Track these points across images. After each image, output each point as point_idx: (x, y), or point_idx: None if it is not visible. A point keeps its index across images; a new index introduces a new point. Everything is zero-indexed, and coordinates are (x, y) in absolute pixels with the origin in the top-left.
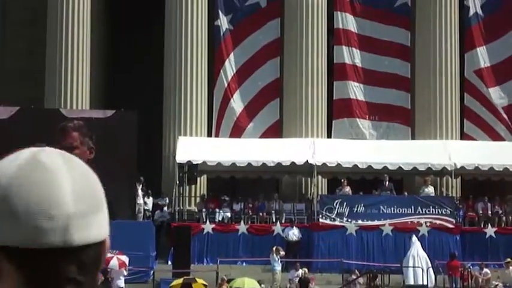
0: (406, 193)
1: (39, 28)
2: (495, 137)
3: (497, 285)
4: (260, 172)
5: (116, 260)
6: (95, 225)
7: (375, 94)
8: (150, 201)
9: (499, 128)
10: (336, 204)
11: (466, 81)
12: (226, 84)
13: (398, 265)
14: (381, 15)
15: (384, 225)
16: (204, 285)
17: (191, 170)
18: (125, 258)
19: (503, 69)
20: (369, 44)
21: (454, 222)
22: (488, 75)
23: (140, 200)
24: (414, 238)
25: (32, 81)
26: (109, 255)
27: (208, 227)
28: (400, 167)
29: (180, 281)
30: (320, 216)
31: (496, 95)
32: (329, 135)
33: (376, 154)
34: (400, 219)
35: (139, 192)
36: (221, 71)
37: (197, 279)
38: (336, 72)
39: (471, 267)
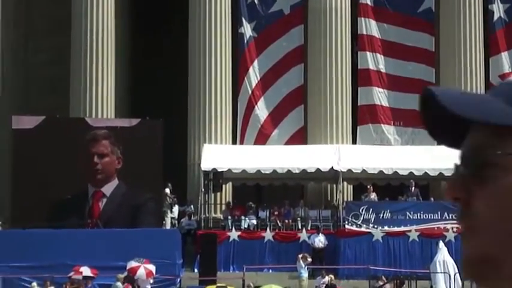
0: (432, 199)
1: (64, 37)
2: None
3: None
4: (285, 179)
5: (143, 270)
6: None
7: (400, 100)
8: (176, 209)
9: None
10: (362, 211)
11: (492, 86)
12: (250, 92)
13: (426, 271)
14: (404, 21)
15: (410, 231)
16: None
17: (216, 178)
18: (151, 267)
19: None
20: (393, 49)
21: None
22: None
23: (172, 207)
24: (441, 244)
25: (57, 91)
26: (136, 264)
27: (234, 234)
28: (426, 173)
29: (213, 287)
30: (346, 222)
31: None
32: (354, 142)
33: (401, 160)
34: (426, 224)
35: (168, 199)
36: (245, 78)
37: (228, 287)
38: (360, 78)
39: None
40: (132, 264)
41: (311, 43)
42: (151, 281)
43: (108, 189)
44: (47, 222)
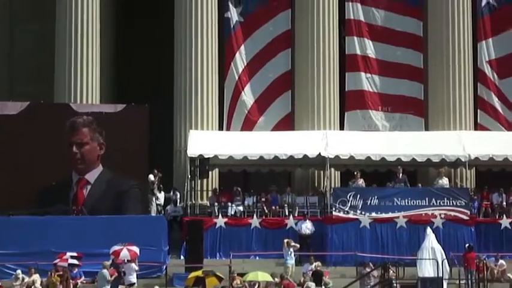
0: (420, 185)
1: (48, 23)
2: (510, 127)
3: None
4: (272, 165)
5: (127, 251)
6: None
7: (388, 85)
8: (162, 195)
9: None
10: (350, 197)
11: (480, 71)
12: (237, 77)
13: (413, 257)
14: (392, 5)
15: (398, 217)
16: (220, 278)
17: (203, 164)
18: (135, 249)
19: None
20: (381, 34)
21: (469, 213)
22: (501, 65)
23: (157, 194)
24: (429, 230)
25: (42, 77)
26: (118, 247)
27: (220, 221)
28: (413, 159)
29: (198, 273)
30: (333, 209)
31: (508, 86)
32: (341, 127)
33: (389, 146)
34: (414, 211)
35: (155, 186)
36: (232, 63)
37: (217, 273)
38: (348, 63)
39: (486, 258)
40: (115, 247)
41: (298, 28)
42: (137, 268)
43: (92, 176)
44: (32, 208)
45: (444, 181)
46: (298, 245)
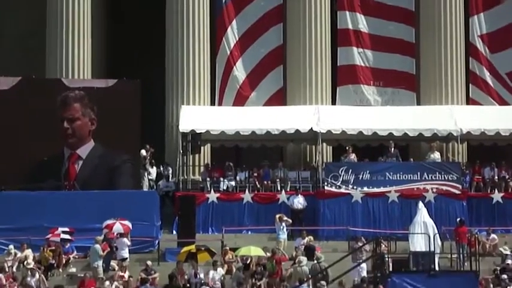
0: (412, 159)
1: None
2: (501, 101)
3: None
4: (264, 140)
5: (120, 225)
6: None
7: (380, 60)
8: (154, 171)
9: (504, 93)
10: (342, 172)
11: (472, 46)
12: (228, 52)
13: (405, 232)
14: None
15: (389, 192)
16: (212, 253)
17: (195, 139)
18: (127, 223)
19: (507, 34)
20: (373, 8)
21: (461, 188)
22: (492, 40)
23: (149, 169)
24: (420, 204)
25: (33, 52)
26: (111, 221)
27: (212, 196)
28: (405, 133)
29: (191, 248)
30: (325, 183)
31: (499, 60)
32: (333, 102)
33: (381, 120)
34: (406, 185)
35: (147, 161)
36: (223, 38)
37: (209, 248)
38: (340, 38)
39: (478, 232)
40: (108, 222)
41: (290, 2)
42: (129, 243)
43: (83, 151)
44: (24, 184)
45: (436, 155)
46: (290, 220)
